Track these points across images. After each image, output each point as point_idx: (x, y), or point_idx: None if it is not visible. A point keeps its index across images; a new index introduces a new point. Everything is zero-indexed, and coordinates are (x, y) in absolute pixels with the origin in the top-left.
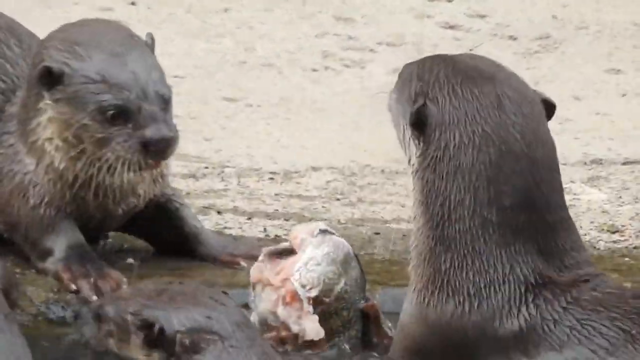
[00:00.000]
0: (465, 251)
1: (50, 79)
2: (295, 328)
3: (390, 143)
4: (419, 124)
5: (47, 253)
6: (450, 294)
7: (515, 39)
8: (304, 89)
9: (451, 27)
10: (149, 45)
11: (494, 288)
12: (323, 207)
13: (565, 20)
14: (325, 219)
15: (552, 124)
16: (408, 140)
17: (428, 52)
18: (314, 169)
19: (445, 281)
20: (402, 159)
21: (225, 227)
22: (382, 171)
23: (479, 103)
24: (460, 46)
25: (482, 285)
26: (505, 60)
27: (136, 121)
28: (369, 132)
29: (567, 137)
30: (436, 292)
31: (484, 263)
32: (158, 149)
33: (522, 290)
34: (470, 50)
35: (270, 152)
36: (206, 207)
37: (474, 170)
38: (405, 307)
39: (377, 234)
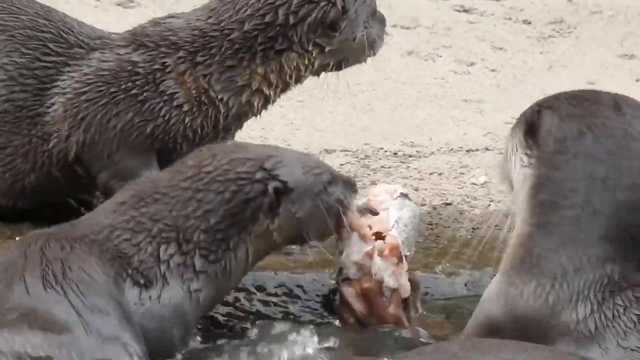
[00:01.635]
0: (566, 238)
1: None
2: (390, 282)
3: (403, 126)
4: (533, 130)
5: None
6: (537, 275)
7: (529, 23)
8: None
9: (465, 11)
10: None
11: (579, 275)
12: None
13: (579, 5)
14: None
15: None
16: (517, 156)
17: (442, 36)
18: (327, 151)
19: (535, 263)
20: (416, 142)
21: None
22: (396, 154)
23: (596, 105)
24: (474, 29)
25: (570, 270)
26: (519, 44)
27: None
28: (383, 114)
29: None
30: (523, 273)
31: (579, 251)
32: None
33: (604, 282)
34: None
35: (284, 134)
36: None
37: (593, 161)
38: (490, 287)
39: None
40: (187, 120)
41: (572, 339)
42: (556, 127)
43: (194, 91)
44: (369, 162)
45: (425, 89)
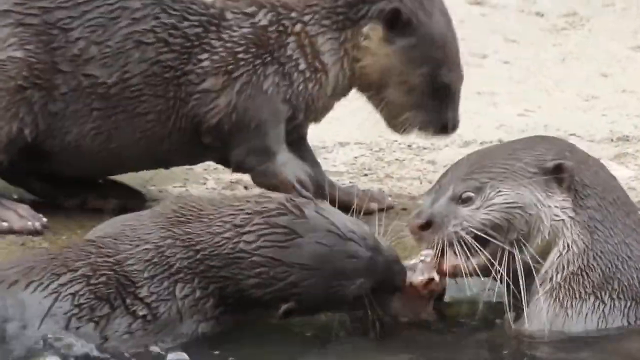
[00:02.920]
0: (619, 259)
1: (397, 19)
2: None
3: None
4: (560, 181)
5: None
6: (597, 292)
7: (541, 15)
8: None
9: (478, 3)
10: None
11: (631, 285)
12: (351, 182)
13: None
14: None
15: (578, 101)
16: (548, 206)
17: (455, 27)
18: (342, 144)
19: (594, 284)
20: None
21: None
22: (409, 146)
23: (577, 148)
24: (486, 22)
25: (625, 283)
26: (532, 36)
27: (446, 102)
28: None
29: (594, 114)
30: (582, 294)
31: (630, 265)
32: (447, 134)
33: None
34: None
35: None
36: (233, 182)
37: (615, 189)
38: (538, 313)
39: (405, 209)
40: (309, 86)
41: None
42: (581, 175)
43: (309, 56)
44: (383, 154)
45: None
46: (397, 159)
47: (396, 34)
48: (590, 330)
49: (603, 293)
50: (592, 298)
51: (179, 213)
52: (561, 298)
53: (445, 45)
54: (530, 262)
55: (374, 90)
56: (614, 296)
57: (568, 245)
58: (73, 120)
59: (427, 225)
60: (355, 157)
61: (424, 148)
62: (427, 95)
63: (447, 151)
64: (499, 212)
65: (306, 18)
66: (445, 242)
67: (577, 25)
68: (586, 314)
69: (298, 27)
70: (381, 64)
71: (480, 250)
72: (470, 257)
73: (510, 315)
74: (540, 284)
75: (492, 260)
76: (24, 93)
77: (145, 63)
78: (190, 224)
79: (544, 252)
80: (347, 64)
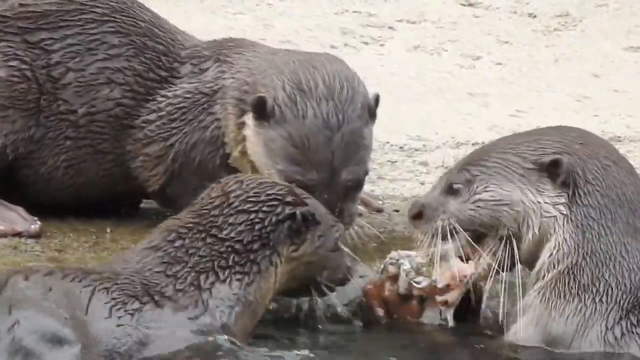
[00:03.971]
0: (611, 258)
1: (262, 109)
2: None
3: (409, 120)
4: (554, 176)
5: None
6: (581, 294)
7: (534, 16)
8: None
9: (471, 5)
10: (371, 107)
11: (619, 287)
12: None
13: None
14: None
15: (571, 101)
16: (541, 201)
17: (447, 30)
18: None
19: (580, 285)
20: (422, 135)
21: None
22: (402, 148)
23: (594, 138)
24: (479, 23)
25: (612, 285)
26: (525, 37)
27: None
28: (389, 108)
29: (586, 114)
30: (567, 295)
31: (622, 265)
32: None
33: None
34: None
35: None
36: None
37: (625, 186)
38: (526, 304)
39: (397, 211)
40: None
41: (599, 343)
42: (582, 170)
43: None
44: (375, 155)
45: (430, 83)
46: (389, 161)
47: (261, 124)
48: (568, 332)
49: (587, 296)
50: (575, 300)
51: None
52: (547, 298)
53: (304, 147)
54: (524, 257)
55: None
56: (597, 299)
57: (559, 244)
58: (49, 149)
59: (419, 215)
60: None
61: (416, 150)
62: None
63: (439, 153)
64: (484, 208)
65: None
66: (433, 233)
67: (570, 26)
68: (567, 316)
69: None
70: (252, 151)
71: (467, 238)
72: (458, 245)
73: (504, 317)
74: (534, 282)
75: (483, 255)
76: (6, 112)
77: (111, 102)
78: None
79: (538, 248)
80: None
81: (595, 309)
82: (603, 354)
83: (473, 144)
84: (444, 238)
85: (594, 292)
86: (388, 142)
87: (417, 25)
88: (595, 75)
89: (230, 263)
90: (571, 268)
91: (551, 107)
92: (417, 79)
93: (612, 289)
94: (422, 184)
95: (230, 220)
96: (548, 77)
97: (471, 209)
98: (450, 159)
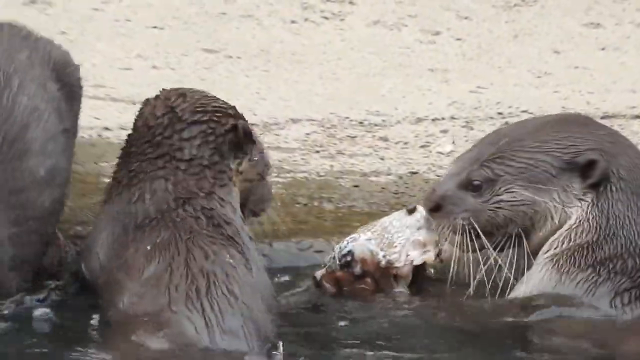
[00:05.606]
0: (630, 240)
1: None
2: None
3: (369, 95)
4: (586, 177)
5: None
6: (595, 265)
7: None
8: (283, 40)
9: None
10: None
11: (632, 258)
12: (302, 159)
13: None
14: (305, 172)
15: (531, 77)
16: (566, 193)
17: (407, 5)
18: (293, 120)
19: (596, 258)
20: (382, 111)
21: None
22: (361, 123)
23: (619, 136)
24: None
25: (626, 257)
26: (484, 13)
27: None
28: (349, 84)
29: (546, 91)
30: (580, 264)
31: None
32: None
33: None
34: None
35: (249, 103)
36: None
37: None
38: (534, 275)
39: (356, 186)
40: None
41: (605, 305)
42: (616, 167)
43: None
44: (335, 131)
45: (390, 58)
46: (348, 136)
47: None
48: (577, 295)
49: (602, 269)
50: (589, 270)
51: None
52: (561, 265)
53: None
54: (533, 247)
55: None
56: (612, 274)
57: (580, 221)
58: None
59: (437, 208)
60: (307, 134)
61: (376, 125)
62: None
63: (399, 128)
64: (505, 209)
65: None
66: (451, 229)
67: (530, 1)
68: (578, 282)
69: None
70: None
71: (486, 243)
72: (469, 248)
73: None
74: (545, 251)
75: (492, 250)
76: None
77: None
78: None
79: (554, 233)
80: None
81: (609, 278)
82: (606, 317)
83: (433, 120)
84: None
85: (610, 268)
86: (348, 118)
87: (377, 0)
88: (556, 52)
89: (210, 182)
90: (591, 244)
91: (512, 83)
92: (377, 54)
93: (627, 267)
94: (382, 159)
95: (185, 135)
96: (508, 53)
97: (490, 210)
98: (410, 134)
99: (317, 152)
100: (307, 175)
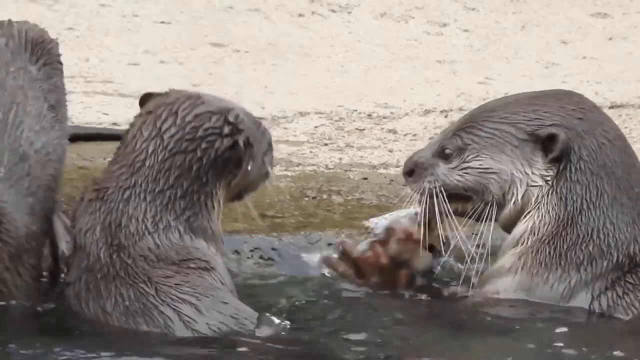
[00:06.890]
0: (594, 230)
1: None
2: None
3: (377, 87)
4: (548, 151)
5: None
6: (564, 263)
7: None
8: (290, 34)
9: None
10: None
11: (604, 258)
12: (311, 152)
13: None
14: (313, 165)
15: (538, 68)
16: (529, 173)
17: None
18: (302, 114)
19: (563, 255)
20: (390, 103)
21: None
22: (370, 115)
23: (594, 113)
24: None
25: (596, 256)
26: (492, 4)
27: None
28: (356, 76)
29: (554, 81)
30: (549, 264)
31: (608, 238)
32: None
33: (624, 262)
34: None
35: (258, 97)
36: None
37: (616, 165)
38: (504, 279)
39: (365, 179)
40: None
41: (584, 311)
42: (577, 145)
43: None
44: (343, 124)
45: (398, 50)
46: (357, 128)
47: None
48: (554, 298)
49: (569, 266)
50: (558, 270)
51: None
52: (529, 266)
53: None
54: (502, 224)
55: None
56: (581, 269)
57: (541, 214)
58: None
59: (410, 173)
60: (316, 127)
61: (384, 117)
62: None
63: (407, 120)
64: (472, 175)
65: None
66: (420, 192)
67: None
68: (552, 284)
69: None
70: None
71: (447, 208)
72: (438, 209)
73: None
74: (512, 247)
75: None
76: None
77: None
78: None
79: (518, 216)
80: None
81: (580, 278)
82: (588, 321)
83: (441, 111)
84: (430, 198)
85: (577, 263)
86: (356, 110)
87: None
88: (563, 42)
89: (178, 212)
90: (551, 238)
91: (519, 74)
92: (385, 47)
93: (596, 260)
94: (391, 151)
95: (166, 165)
96: (515, 44)
97: (459, 175)
98: (418, 126)
99: (326, 145)
100: (315, 168)
